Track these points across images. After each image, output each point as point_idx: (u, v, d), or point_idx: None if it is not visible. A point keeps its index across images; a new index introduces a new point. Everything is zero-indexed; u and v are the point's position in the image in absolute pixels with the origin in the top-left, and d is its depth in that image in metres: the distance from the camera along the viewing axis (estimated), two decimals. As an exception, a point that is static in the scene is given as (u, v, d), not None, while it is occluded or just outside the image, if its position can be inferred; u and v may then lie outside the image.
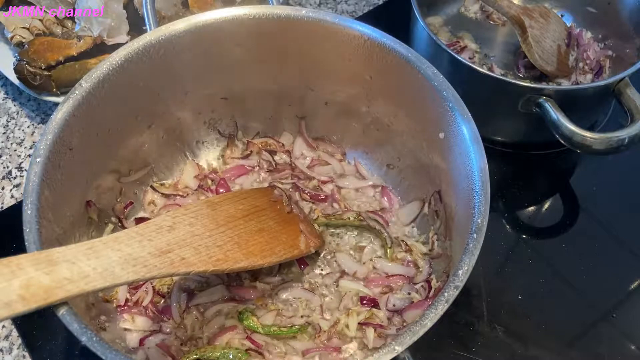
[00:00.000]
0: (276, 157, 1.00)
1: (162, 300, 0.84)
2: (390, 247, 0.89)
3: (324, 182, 0.97)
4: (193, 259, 0.68)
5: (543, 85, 1.03)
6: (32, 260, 0.56)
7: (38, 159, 0.71)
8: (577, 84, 1.12)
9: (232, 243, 0.75)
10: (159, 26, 0.85)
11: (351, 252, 0.90)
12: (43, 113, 1.16)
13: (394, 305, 0.82)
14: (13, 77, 1.11)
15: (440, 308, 0.61)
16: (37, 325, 0.88)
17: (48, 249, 0.59)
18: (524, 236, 1.01)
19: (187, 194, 0.96)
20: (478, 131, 0.74)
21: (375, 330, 0.80)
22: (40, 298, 0.55)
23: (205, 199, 0.82)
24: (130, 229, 0.67)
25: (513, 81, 0.99)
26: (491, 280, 0.94)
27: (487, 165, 0.71)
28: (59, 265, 0.58)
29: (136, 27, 1.18)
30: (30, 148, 1.11)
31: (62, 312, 0.59)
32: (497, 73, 1.12)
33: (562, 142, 0.93)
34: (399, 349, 0.59)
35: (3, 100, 1.18)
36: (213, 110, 0.98)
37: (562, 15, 1.21)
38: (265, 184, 0.97)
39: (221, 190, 0.95)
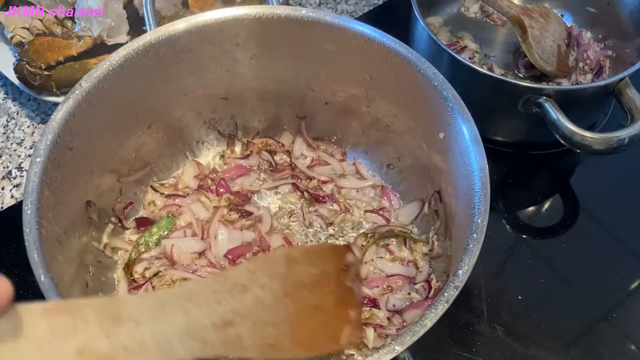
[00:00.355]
0: (276, 157, 1.00)
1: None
2: (415, 243, 0.89)
3: (324, 182, 0.97)
4: (248, 341, 0.58)
5: (543, 85, 1.03)
6: (99, 313, 0.50)
7: (38, 159, 0.71)
8: (577, 84, 1.12)
9: (287, 323, 0.62)
10: (159, 26, 0.85)
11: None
12: (43, 113, 1.16)
13: (394, 305, 0.82)
14: (13, 77, 1.11)
15: (440, 308, 0.61)
16: (37, 325, 0.88)
17: (116, 297, 0.54)
18: (524, 236, 1.01)
19: (187, 194, 0.96)
20: (478, 131, 0.74)
21: (375, 330, 0.80)
22: None
23: (287, 250, 0.70)
24: (207, 283, 0.60)
25: (513, 81, 0.99)
26: (491, 280, 0.94)
27: (487, 165, 0.71)
28: (122, 326, 0.51)
29: (136, 27, 1.18)
30: (30, 148, 1.11)
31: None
32: (497, 73, 1.12)
33: (562, 142, 0.93)
34: (399, 349, 0.59)
35: (3, 100, 1.18)
36: (213, 110, 0.98)
37: (562, 15, 1.21)
38: (266, 184, 0.97)
39: (221, 190, 0.95)
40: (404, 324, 0.81)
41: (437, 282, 0.83)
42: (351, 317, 0.67)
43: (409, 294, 0.84)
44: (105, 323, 0.49)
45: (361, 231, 0.92)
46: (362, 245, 0.89)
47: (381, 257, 0.89)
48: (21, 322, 0.44)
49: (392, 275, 0.86)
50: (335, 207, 0.94)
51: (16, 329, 0.44)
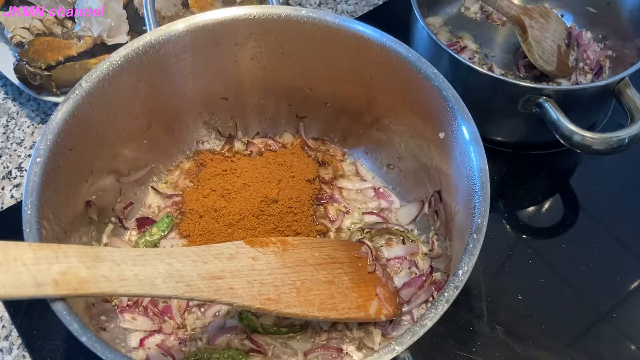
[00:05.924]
0: (276, 157, 1.00)
1: (163, 300, 0.84)
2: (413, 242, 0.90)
3: (324, 182, 0.97)
4: (241, 292, 0.65)
5: (543, 85, 1.03)
6: (79, 252, 0.56)
7: (38, 159, 0.71)
8: (577, 84, 1.12)
9: (290, 287, 0.70)
10: (159, 26, 0.85)
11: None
12: (43, 113, 1.16)
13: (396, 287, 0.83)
14: (13, 77, 1.11)
15: (440, 308, 0.61)
16: (37, 325, 0.88)
17: (99, 247, 0.59)
18: (524, 236, 1.01)
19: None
20: (478, 131, 0.74)
21: (381, 334, 0.80)
22: (70, 287, 0.54)
23: (281, 237, 0.77)
24: (190, 248, 0.65)
25: (513, 81, 0.98)
26: (491, 280, 0.94)
27: (487, 165, 0.71)
28: (103, 263, 0.57)
29: (136, 27, 1.18)
30: (30, 148, 1.11)
31: (61, 311, 0.59)
32: (497, 73, 1.12)
33: (562, 142, 0.93)
34: (399, 349, 0.59)
35: (3, 100, 1.18)
36: (213, 110, 0.98)
37: (562, 15, 1.21)
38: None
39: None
40: (401, 302, 0.83)
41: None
42: (378, 294, 0.79)
43: (410, 268, 0.86)
44: (85, 259, 0.56)
45: (358, 226, 0.92)
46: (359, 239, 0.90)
47: (381, 247, 0.90)
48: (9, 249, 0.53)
49: (390, 260, 0.88)
50: (336, 207, 0.94)
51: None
